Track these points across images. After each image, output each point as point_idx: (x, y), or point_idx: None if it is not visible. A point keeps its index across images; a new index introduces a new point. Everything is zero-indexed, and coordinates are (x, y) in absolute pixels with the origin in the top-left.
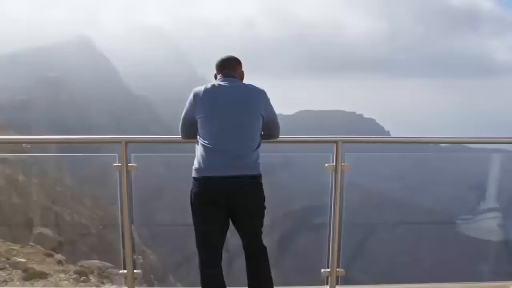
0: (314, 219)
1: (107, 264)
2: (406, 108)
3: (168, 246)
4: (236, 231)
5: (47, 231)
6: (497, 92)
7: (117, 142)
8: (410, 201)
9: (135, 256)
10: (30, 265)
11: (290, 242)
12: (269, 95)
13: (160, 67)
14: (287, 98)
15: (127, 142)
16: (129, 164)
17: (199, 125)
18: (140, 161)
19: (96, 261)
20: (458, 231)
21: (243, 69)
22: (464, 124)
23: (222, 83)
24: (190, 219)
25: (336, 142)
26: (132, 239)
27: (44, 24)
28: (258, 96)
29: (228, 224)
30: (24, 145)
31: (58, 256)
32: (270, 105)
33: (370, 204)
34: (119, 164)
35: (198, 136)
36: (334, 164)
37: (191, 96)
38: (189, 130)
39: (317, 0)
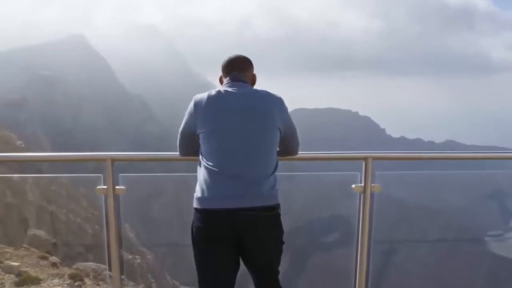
0: (323, 236)
1: (103, 266)
2: (402, 106)
3: (166, 246)
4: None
5: (41, 233)
6: (493, 90)
7: (102, 160)
8: (434, 216)
9: (131, 256)
10: (23, 269)
11: (302, 262)
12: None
13: (155, 66)
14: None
15: (114, 160)
16: (117, 187)
17: (201, 142)
18: (128, 183)
19: (91, 263)
20: (486, 249)
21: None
22: (460, 122)
23: (229, 89)
24: (186, 217)
25: (365, 159)
26: (122, 265)
27: (38, 23)
28: (274, 105)
29: (239, 264)
30: (18, 143)
31: (53, 259)
32: (289, 115)
33: (393, 219)
34: (105, 187)
35: (200, 156)
36: (362, 184)
37: (191, 106)
38: (189, 147)
39: None
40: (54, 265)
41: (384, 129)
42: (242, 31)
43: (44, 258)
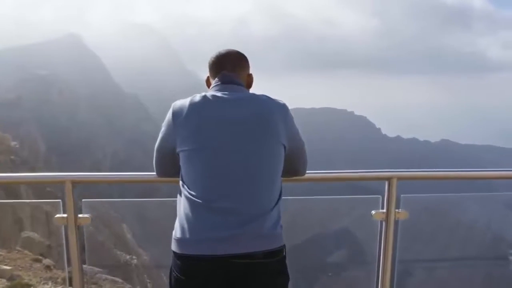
0: (328, 255)
1: (96, 269)
2: (398, 105)
3: (162, 246)
4: None
5: (35, 236)
6: (489, 89)
7: (59, 182)
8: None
9: (128, 257)
10: (16, 273)
11: None
12: (260, 93)
13: (151, 65)
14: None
15: (74, 182)
16: (79, 216)
17: (181, 163)
18: (94, 210)
19: (85, 266)
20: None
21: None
22: (456, 121)
23: (218, 94)
24: None
25: (389, 179)
26: None
27: (34, 22)
28: (277, 114)
29: None
30: (13, 144)
31: (47, 261)
32: (295, 127)
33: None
34: (64, 216)
35: (180, 181)
36: (385, 211)
37: (168, 115)
38: (168, 167)
39: None
40: (47, 268)
41: (379, 129)
42: (238, 30)
43: (37, 261)
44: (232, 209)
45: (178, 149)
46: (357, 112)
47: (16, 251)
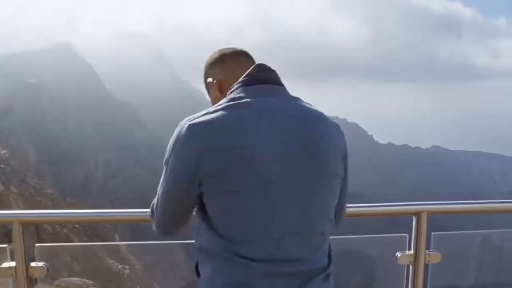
0: (341, 279)
1: (88, 281)
2: (390, 112)
3: (154, 256)
4: None
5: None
6: (479, 96)
7: (6, 223)
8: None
9: (120, 266)
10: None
11: None
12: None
13: (143, 74)
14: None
15: (24, 223)
16: (32, 264)
17: (214, 209)
18: (52, 257)
19: (76, 278)
20: None
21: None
22: (446, 127)
23: (263, 103)
24: None
25: (418, 214)
26: None
27: (24, 30)
28: (337, 138)
29: None
30: (3, 152)
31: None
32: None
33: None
34: (13, 265)
35: (205, 237)
36: (413, 252)
37: (186, 141)
38: (181, 219)
39: (303, 6)
40: (33, 281)
41: (371, 136)
42: (231, 38)
43: None
44: (294, 272)
45: (208, 190)
46: (349, 120)
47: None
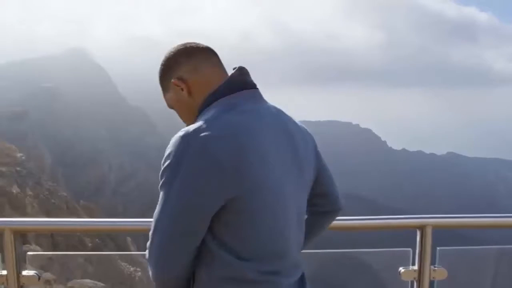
0: None
1: (99, 284)
2: (403, 118)
3: None
4: None
5: (36, 248)
6: (495, 101)
7: None
8: None
9: (132, 269)
10: None
11: None
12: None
13: (156, 79)
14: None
15: (16, 231)
16: (24, 273)
17: (228, 227)
18: (45, 265)
19: (88, 280)
20: None
21: None
22: (462, 133)
23: (254, 110)
24: None
25: (422, 228)
26: None
27: (40, 36)
28: (312, 142)
29: None
30: (19, 155)
31: (47, 275)
32: None
33: None
34: (3, 273)
35: (224, 256)
36: (417, 268)
37: (208, 158)
38: (185, 257)
39: (314, 11)
40: (47, 282)
41: (385, 141)
42: (242, 43)
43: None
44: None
45: (230, 208)
46: (362, 125)
47: None
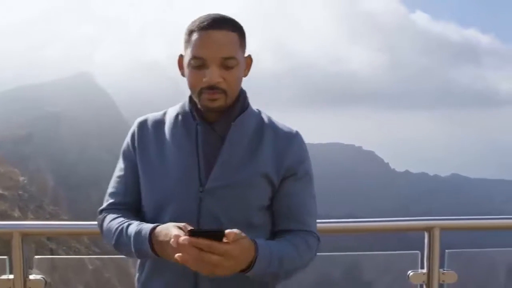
0: None
1: None
2: (407, 140)
3: None
4: None
5: (35, 271)
6: (500, 122)
7: (5, 234)
8: None
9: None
10: None
11: None
12: None
13: (160, 103)
14: None
15: (24, 234)
16: (30, 277)
17: None
18: (52, 270)
19: None
20: None
21: None
22: (465, 155)
23: None
24: None
25: (429, 230)
26: None
27: (45, 61)
28: None
29: None
30: (21, 179)
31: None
32: None
33: None
34: (10, 277)
35: None
36: (426, 271)
37: None
38: None
39: (318, 34)
40: None
41: (388, 163)
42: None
43: None
44: None
45: None
46: (365, 147)
47: None
